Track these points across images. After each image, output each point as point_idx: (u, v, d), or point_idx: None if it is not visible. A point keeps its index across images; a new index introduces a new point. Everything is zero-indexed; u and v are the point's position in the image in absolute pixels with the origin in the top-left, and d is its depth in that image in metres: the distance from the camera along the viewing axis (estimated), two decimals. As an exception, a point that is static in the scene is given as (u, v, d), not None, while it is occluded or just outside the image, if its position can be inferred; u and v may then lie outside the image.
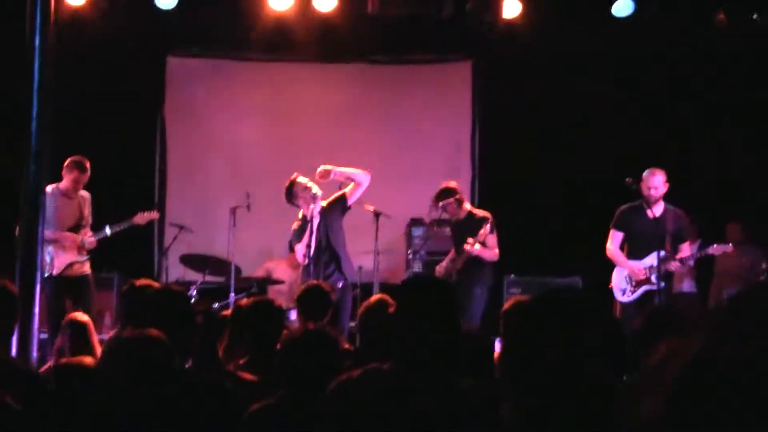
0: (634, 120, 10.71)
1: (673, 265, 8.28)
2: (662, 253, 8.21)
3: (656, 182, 8.18)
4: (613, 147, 10.26)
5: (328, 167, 8.55)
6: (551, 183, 10.87)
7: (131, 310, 4.95)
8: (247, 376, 4.31)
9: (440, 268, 9.21)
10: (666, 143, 10.45)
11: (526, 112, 11.02)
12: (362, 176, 8.65)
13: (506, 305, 4.75)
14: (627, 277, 8.36)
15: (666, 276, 8.31)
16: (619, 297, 8.37)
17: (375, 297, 5.36)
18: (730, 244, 8.49)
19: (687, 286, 10.22)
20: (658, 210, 8.27)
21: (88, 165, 8.75)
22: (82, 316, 6.12)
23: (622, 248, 8.48)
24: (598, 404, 2.27)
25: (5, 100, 8.25)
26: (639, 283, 8.29)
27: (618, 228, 8.48)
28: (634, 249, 8.39)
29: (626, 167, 8.52)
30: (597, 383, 2.32)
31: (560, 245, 10.20)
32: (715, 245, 8.46)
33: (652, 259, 8.21)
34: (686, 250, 8.43)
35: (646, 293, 8.25)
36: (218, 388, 3.57)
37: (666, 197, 8.29)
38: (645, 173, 8.25)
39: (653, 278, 8.20)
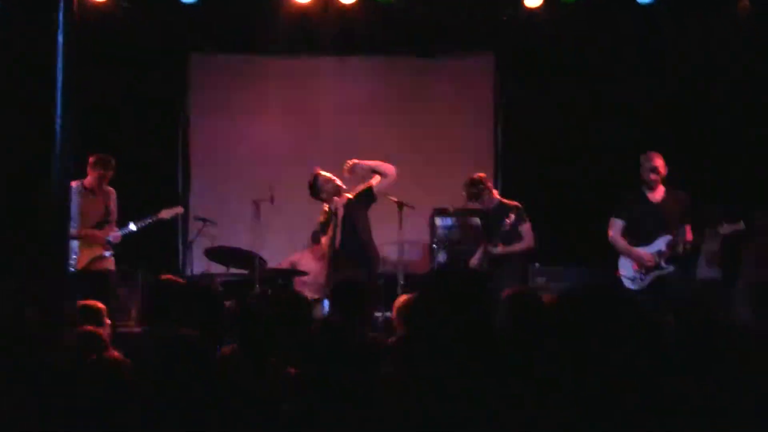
0: (658, 112, 10.65)
1: (677, 249, 8.09)
2: (668, 237, 8.11)
3: (656, 165, 8.07)
4: (637, 139, 10.02)
5: (354, 161, 8.55)
6: (574, 174, 10.80)
7: (158, 306, 5.00)
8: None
9: (473, 260, 9.10)
10: (691, 134, 10.38)
11: (548, 104, 10.99)
12: (388, 169, 8.64)
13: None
14: (633, 264, 8.23)
15: (676, 260, 8.14)
16: (630, 285, 8.22)
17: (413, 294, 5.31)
18: (741, 222, 8.12)
19: (713, 272, 10.09)
20: (659, 194, 8.19)
21: (113, 162, 8.83)
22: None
23: (624, 236, 8.31)
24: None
25: (29, 99, 8.28)
26: (648, 270, 8.15)
27: (618, 216, 8.35)
28: (637, 235, 8.25)
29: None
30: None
31: (584, 235, 10.10)
32: (725, 224, 8.18)
33: (659, 244, 8.11)
34: (688, 233, 8.18)
35: (658, 278, 8.12)
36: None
37: (677, 183, 8.17)
38: (642, 157, 8.14)
39: (663, 263, 8.09)
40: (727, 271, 10.01)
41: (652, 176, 8.07)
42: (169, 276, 5.54)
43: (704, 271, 10.08)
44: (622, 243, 8.31)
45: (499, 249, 8.73)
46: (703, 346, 3.43)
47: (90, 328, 4.23)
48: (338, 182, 8.57)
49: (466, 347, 3.24)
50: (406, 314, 4.96)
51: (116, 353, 3.87)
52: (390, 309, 9.13)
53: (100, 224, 8.85)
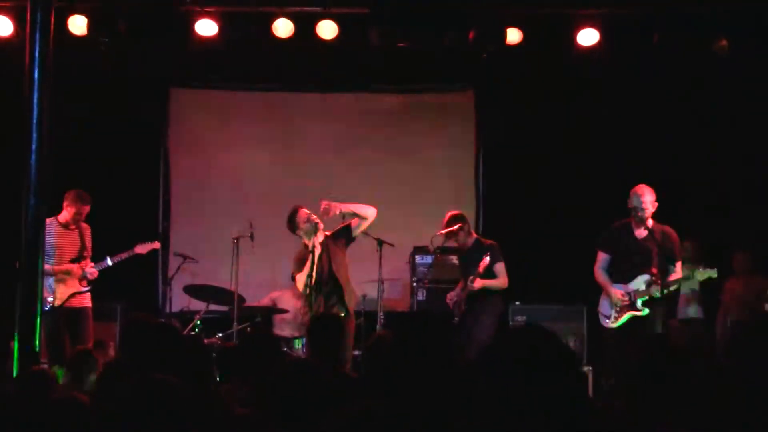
0: (639, 144, 10.71)
1: (655, 290, 7.82)
2: (647, 276, 7.90)
3: (646, 202, 7.83)
4: (617, 173, 10.08)
5: (331, 204, 8.47)
6: (556, 211, 10.77)
7: (130, 344, 4.90)
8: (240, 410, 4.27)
9: (451, 297, 9.13)
10: (668, 166, 10.41)
11: (529, 140, 11.02)
12: (367, 210, 8.60)
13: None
14: (610, 302, 8.04)
15: (659, 301, 7.90)
16: (604, 323, 8.04)
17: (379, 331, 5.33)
18: (715, 270, 7.91)
19: (693, 311, 10.12)
20: (646, 229, 7.93)
21: (89, 198, 8.79)
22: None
23: (610, 271, 8.11)
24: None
25: (4, 131, 8.29)
26: (623, 309, 7.94)
27: (604, 249, 8.13)
28: (621, 271, 8.03)
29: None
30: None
31: (565, 272, 10.09)
32: (701, 269, 7.97)
33: (637, 283, 7.92)
34: (679, 272, 7.97)
35: (633, 320, 7.89)
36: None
37: (662, 218, 7.99)
38: (633, 192, 7.91)
39: (638, 304, 7.88)
40: (708, 309, 10.05)
41: (639, 213, 7.84)
42: (140, 315, 5.51)
43: (685, 309, 10.12)
44: (602, 278, 8.10)
45: (477, 283, 8.71)
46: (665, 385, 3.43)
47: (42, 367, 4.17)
48: (316, 220, 8.49)
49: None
50: (368, 354, 4.93)
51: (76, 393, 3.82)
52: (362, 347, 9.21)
53: (76, 260, 8.81)
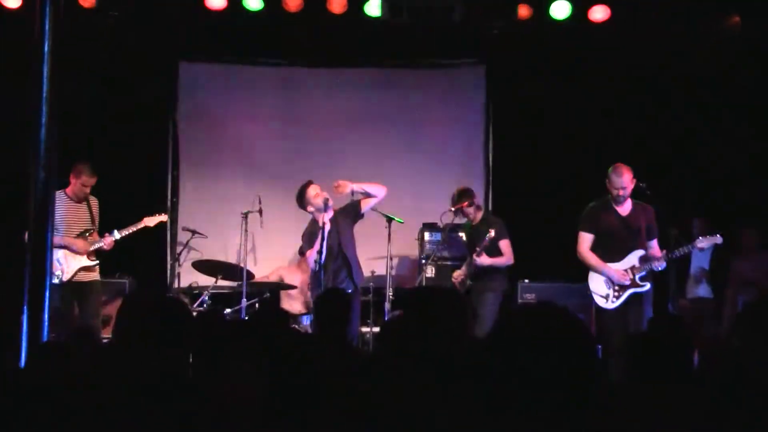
0: (649, 124, 10.69)
1: (657, 264, 7.87)
2: (641, 252, 7.97)
3: (625, 182, 7.84)
4: (629, 148, 10.03)
5: (345, 182, 8.53)
6: (566, 186, 10.66)
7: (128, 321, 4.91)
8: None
9: (457, 275, 9.20)
10: (678, 142, 10.40)
11: (539, 116, 10.99)
12: (378, 190, 8.68)
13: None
14: (606, 281, 8.01)
15: (653, 276, 7.97)
16: (602, 304, 8.00)
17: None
18: (718, 235, 7.97)
19: (703, 290, 10.10)
20: (627, 207, 7.99)
21: (94, 170, 8.84)
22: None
23: (593, 251, 8.10)
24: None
25: (14, 107, 8.29)
26: (623, 287, 7.94)
27: (587, 229, 8.10)
28: (606, 250, 8.04)
29: (638, 170, 8.15)
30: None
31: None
32: (700, 237, 8.03)
33: (631, 260, 7.95)
34: (656, 248, 8.01)
35: (634, 296, 7.93)
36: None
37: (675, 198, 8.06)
38: (611, 171, 7.92)
39: (638, 279, 7.91)
40: (717, 288, 10.01)
41: (620, 192, 7.86)
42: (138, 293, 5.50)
43: (694, 289, 10.10)
44: (594, 259, 8.07)
45: (482, 258, 8.70)
46: (673, 360, 3.44)
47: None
48: (326, 197, 8.53)
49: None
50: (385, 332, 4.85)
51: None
52: (378, 324, 9.27)
53: (85, 233, 8.87)
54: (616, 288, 7.96)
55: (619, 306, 7.96)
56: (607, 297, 7.98)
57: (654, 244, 8.01)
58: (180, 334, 3.58)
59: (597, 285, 8.07)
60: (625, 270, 7.94)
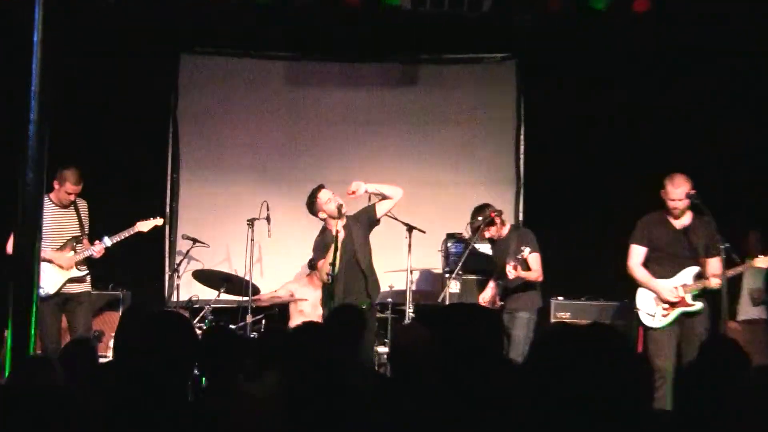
0: (697, 120, 10.56)
1: (713, 282, 7.84)
2: (695, 269, 7.98)
3: (681, 194, 7.86)
4: (673, 151, 10.03)
5: (359, 183, 8.49)
6: (605, 194, 10.66)
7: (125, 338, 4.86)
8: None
9: (486, 298, 9.15)
10: (727, 146, 10.29)
11: (578, 115, 10.93)
12: (394, 191, 8.61)
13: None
14: (655, 298, 8.05)
15: (704, 296, 7.96)
16: (648, 322, 8.07)
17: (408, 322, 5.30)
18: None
19: (757, 311, 9.98)
20: (685, 220, 8.03)
21: (80, 176, 8.78)
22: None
23: (647, 266, 8.15)
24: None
25: (2, 103, 8.30)
26: (672, 306, 7.98)
27: (638, 242, 8.15)
28: (659, 265, 8.09)
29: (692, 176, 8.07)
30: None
31: (613, 264, 9.98)
32: (761, 256, 8.05)
33: (683, 277, 7.99)
34: (717, 266, 7.84)
35: (684, 316, 7.96)
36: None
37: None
38: (667, 181, 7.92)
39: (689, 298, 7.94)
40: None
41: (676, 203, 7.90)
42: (136, 306, 5.50)
43: (747, 310, 9.99)
44: (642, 273, 8.13)
45: (515, 272, 8.62)
46: (725, 387, 3.44)
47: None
48: (340, 202, 8.49)
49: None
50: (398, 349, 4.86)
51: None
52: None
53: (72, 241, 8.85)
54: (665, 306, 8.00)
55: (667, 325, 7.99)
56: (654, 315, 8.03)
57: (715, 262, 7.89)
58: (185, 352, 3.63)
59: (645, 302, 8.12)
60: (675, 287, 7.97)
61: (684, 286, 7.96)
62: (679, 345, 7.90)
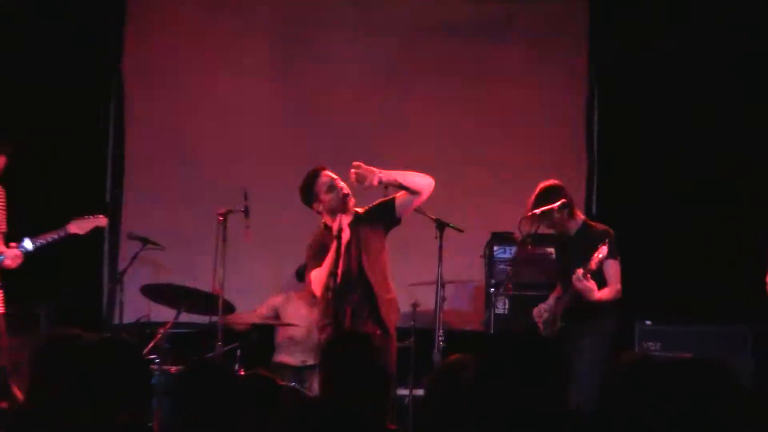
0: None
1: None
2: None
3: None
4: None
5: (369, 169, 7.93)
6: (705, 186, 10.58)
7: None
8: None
9: (540, 311, 8.68)
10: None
11: (672, 80, 10.79)
12: (421, 182, 8.06)
13: None
14: None
15: None
16: None
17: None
18: None
19: None
20: None
21: (7, 147, 8.84)
22: None
23: None
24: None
25: None
26: None
27: None
28: None
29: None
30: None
31: (717, 278, 10.03)
32: None
33: None
34: None
35: None
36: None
37: None
38: None
39: None
40: None
41: None
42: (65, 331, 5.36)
43: None
44: None
45: (585, 283, 8.13)
46: None
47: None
48: (346, 189, 7.98)
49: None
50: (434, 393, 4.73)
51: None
52: (421, 384, 8.97)
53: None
54: None
55: None
56: None
57: None
58: (133, 394, 3.89)
59: None
60: None
61: None
62: None
